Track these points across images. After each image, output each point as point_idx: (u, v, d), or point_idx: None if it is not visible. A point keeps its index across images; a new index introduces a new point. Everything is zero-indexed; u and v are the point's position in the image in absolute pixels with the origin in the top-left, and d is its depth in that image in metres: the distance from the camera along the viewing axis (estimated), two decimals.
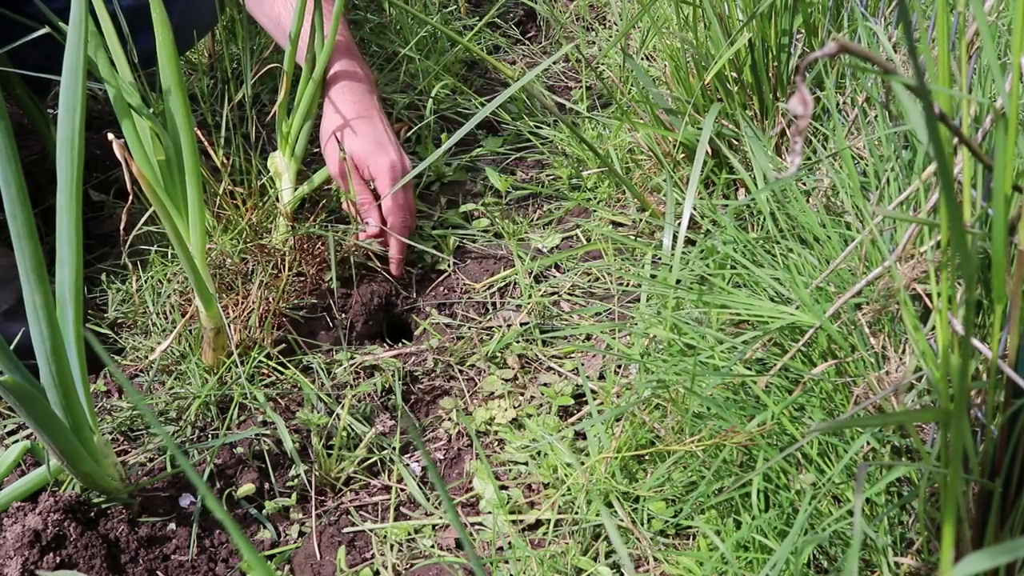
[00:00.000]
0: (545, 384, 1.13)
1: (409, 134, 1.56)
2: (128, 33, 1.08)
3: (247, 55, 1.30)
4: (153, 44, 0.98)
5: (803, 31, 1.23)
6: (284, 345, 1.17)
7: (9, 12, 1.15)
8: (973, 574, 0.37)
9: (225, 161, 1.23)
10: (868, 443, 0.82)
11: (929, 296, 0.76)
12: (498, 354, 1.18)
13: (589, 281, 1.27)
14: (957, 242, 0.41)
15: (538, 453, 1.03)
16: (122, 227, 1.06)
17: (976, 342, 0.64)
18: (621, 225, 1.36)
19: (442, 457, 1.09)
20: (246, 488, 1.01)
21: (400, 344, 1.23)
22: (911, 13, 1.00)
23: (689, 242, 1.13)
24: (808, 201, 1.03)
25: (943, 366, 0.61)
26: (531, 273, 1.28)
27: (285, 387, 1.13)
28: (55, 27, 1.04)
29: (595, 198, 1.41)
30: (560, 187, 1.45)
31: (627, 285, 1.24)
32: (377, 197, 1.26)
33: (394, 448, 1.07)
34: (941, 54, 0.57)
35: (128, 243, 1.18)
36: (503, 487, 1.02)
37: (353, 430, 1.08)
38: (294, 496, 1.02)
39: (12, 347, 1.08)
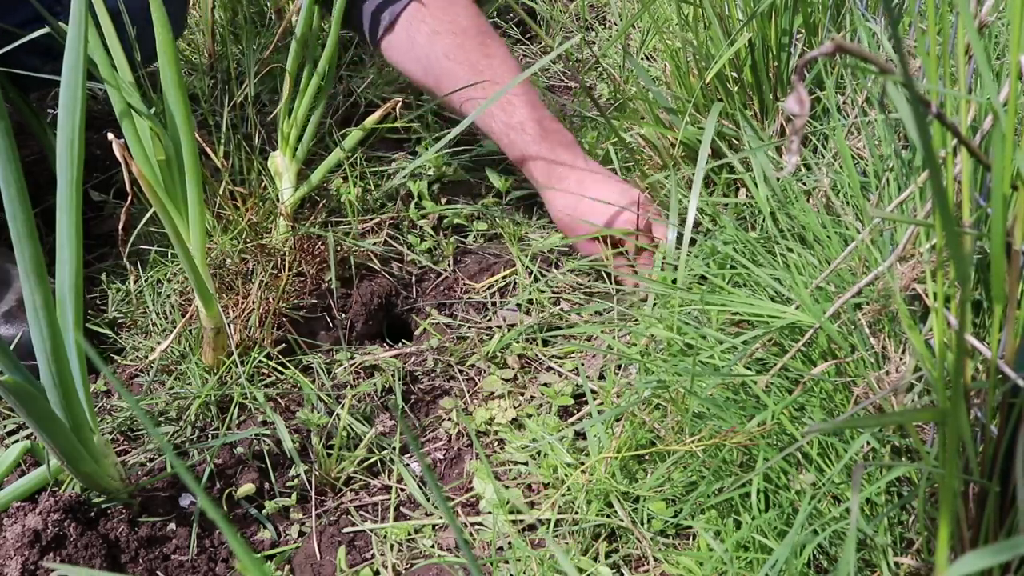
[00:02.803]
0: (545, 384, 1.13)
1: (409, 134, 1.56)
2: (131, 30, 1.08)
3: (249, 55, 1.30)
4: (153, 44, 0.98)
5: (803, 31, 1.23)
6: (284, 345, 1.17)
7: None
8: (969, 574, 0.37)
9: (225, 161, 1.23)
10: (868, 443, 0.81)
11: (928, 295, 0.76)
12: (498, 354, 1.18)
13: (589, 281, 1.27)
14: (951, 243, 0.41)
15: (538, 453, 1.03)
16: (121, 227, 1.06)
17: (975, 341, 0.64)
18: None
19: (442, 457, 1.09)
20: (246, 488, 1.01)
21: (400, 344, 1.23)
22: (912, 14, 1.00)
23: (690, 242, 1.13)
24: (808, 201, 1.03)
25: (940, 365, 0.61)
26: (531, 273, 1.28)
27: (285, 387, 1.13)
28: (54, 27, 1.04)
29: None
30: None
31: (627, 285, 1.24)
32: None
33: (394, 448, 1.07)
34: (932, 53, 0.57)
35: (128, 243, 1.18)
36: (503, 487, 1.02)
37: (353, 430, 1.08)
38: (294, 496, 1.02)
39: (12, 347, 1.08)
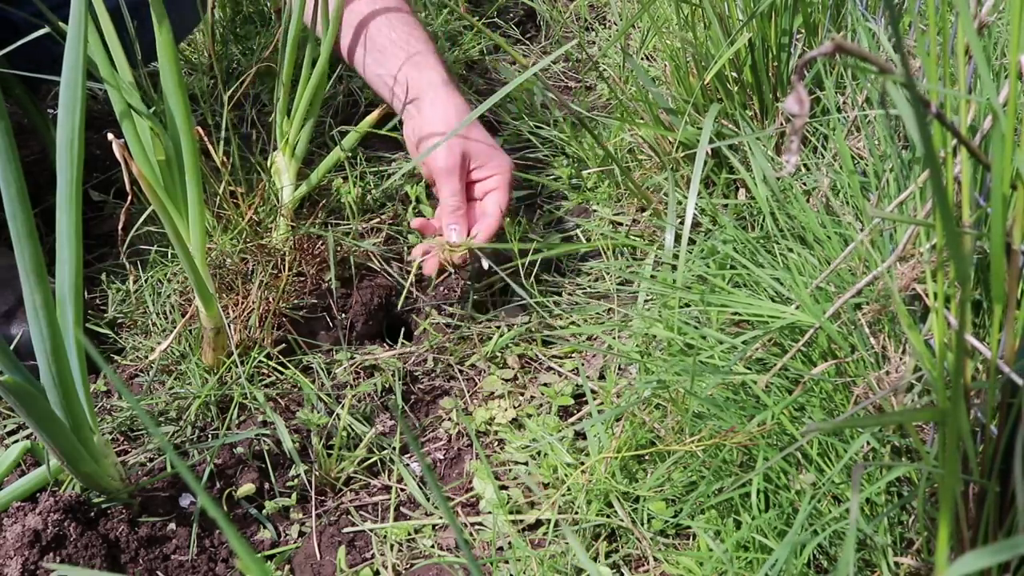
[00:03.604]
0: (545, 384, 1.13)
1: None
2: (132, 28, 1.08)
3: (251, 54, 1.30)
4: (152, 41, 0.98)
5: (803, 31, 1.23)
6: (284, 345, 1.17)
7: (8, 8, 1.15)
8: (969, 574, 0.37)
9: (225, 161, 1.23)
10: (868, 443, 0.81)
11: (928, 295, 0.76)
12: (498, 354, 1.18)
13: (589, 281, 1.27)
14: (951, 243, 0.41)
15: (538, 453, 1.03)
16: (121, 227, 1.06)
17: (975, 341, 0.64)
18: (621, 225, 1.36)
19: (442, 457, 1.09)
20: (246, 488, 1.01)
21: (400, 344, 1.23)
22: (912, 14, 1.00)
23: (689, 242, 1.13)
24: (808, 201, 1.03)
25: (940, 365, 0.61)
26: (531, 273, 1.28)
27: (285, 387, 1.13)
28: (54, 27, 1.04)
29: (595, 198, 1.41)
30: (560, 187, 1.45)
31: (628, 285, 1.24)
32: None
33: (394, 448, 1.07)
34: (932, 53, 0.57)
35: (128, 243, 1.18)
36: (503, 487, 1.02)
37: (353, 430, 1.08)
38: (294, 496, 1.02)
39: (12, 347, 1.08)
